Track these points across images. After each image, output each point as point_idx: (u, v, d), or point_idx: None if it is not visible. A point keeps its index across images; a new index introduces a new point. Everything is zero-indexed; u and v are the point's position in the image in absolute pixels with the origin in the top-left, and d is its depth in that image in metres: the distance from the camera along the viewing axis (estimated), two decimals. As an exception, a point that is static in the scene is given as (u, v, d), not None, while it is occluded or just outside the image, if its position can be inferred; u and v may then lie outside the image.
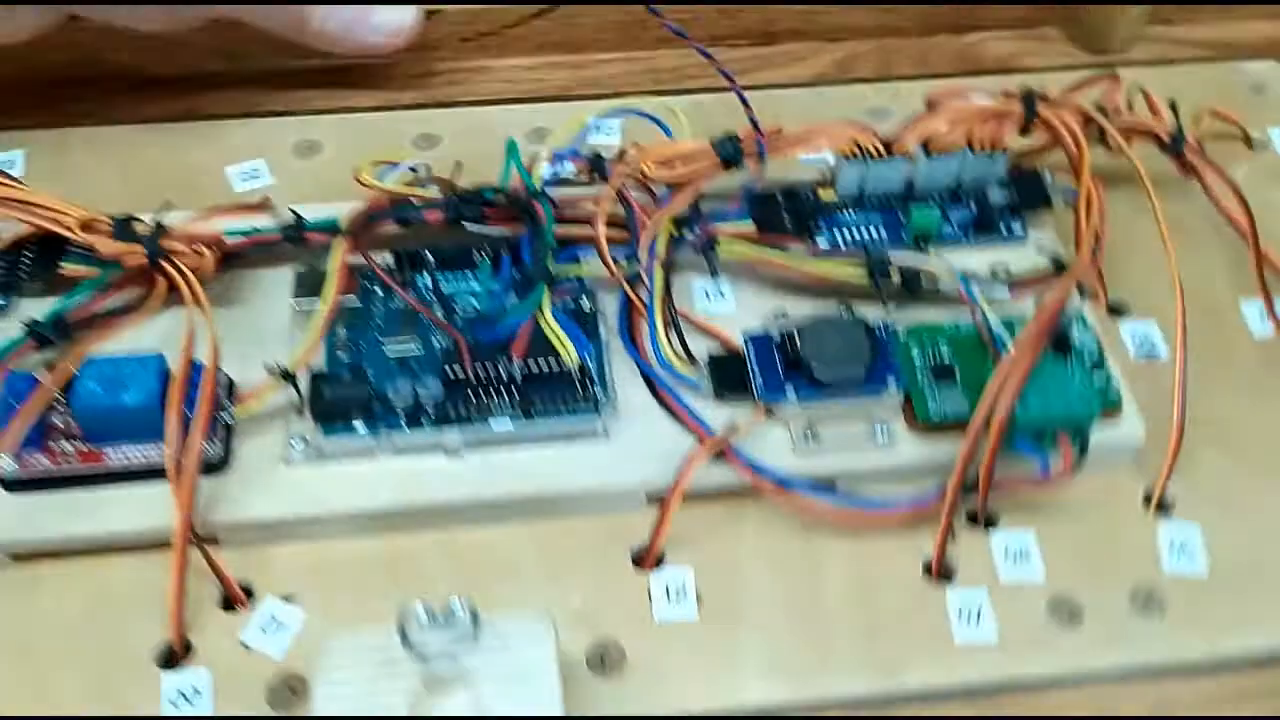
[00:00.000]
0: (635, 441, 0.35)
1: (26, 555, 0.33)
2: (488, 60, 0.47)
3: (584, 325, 0.37)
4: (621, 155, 0.40)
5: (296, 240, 0.38)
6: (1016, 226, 0.41)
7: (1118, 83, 0.42)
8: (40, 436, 0.33)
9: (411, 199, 0.38)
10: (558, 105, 0.46)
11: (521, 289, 0.37)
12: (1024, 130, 0.41)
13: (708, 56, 0.41)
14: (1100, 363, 0.37)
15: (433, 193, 0.38)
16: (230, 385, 0.36)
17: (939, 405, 0.36)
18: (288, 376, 0.34)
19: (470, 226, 0.38)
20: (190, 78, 0.46)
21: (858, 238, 0.40)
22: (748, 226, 0.40)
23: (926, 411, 0.36)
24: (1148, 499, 0.37)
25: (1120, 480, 0.37)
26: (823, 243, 0.40)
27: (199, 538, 0.32)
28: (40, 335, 0.35)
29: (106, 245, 0.36)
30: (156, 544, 0.33)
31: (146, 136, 0.44)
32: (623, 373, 0.37)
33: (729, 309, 0.39)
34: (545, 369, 0.35)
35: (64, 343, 0.35)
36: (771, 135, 0.39)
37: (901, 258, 0.38)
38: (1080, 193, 0.39)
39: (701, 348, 0.37)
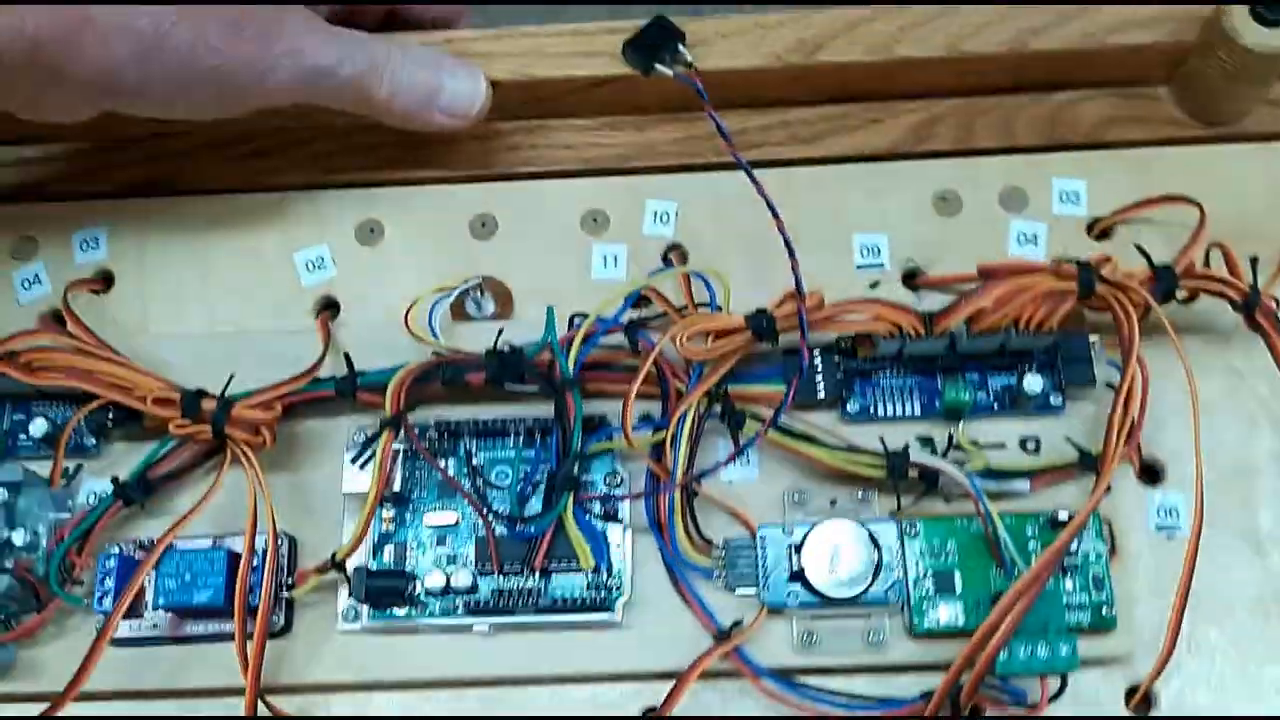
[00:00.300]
0: (649, 627, 0.39)
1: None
2: (547, 127, 0.46)
3: (607, 511, 0.39)
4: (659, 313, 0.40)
5: (349, 396, 0.40)
6: (1054, 398, 0.40)
7: (1196, 241, 0.40)
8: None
9: (456, 358, 0.40)
10: (615, 180, 0.45)
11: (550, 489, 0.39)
12: (1080, 303, 0.39)
13: (744, 167, 0.39)
14: (1103, 582, 0.38)
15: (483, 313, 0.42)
16: (292, 546, 0.40)
17: (935, 618, 0.38)
18: (338, 566, 0.38)
19: (510, 387, 0.40)
20: (253, 138, 0.46)
21: (888, 411, 0.40)
22: (777, 389, 0.40)
23: (922, 624, 0.38)
24: (1132, 692, 0.39)
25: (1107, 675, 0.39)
26: (853, 407, 0.41)
27: (264, 692, 0.38)
28: (126, 495, 0.40)
29: (177, 424, 0.39)
30: (232, 691, 0.39)
31: (216, 210, 0.46)
32: (645, 547, 0.40)
33: (751, 476, 0.41)
34: (566, 569, 0.38)
35: (145, 499, 0.40)
36: (812, 308, 0.39)
37: (921, 459, 0.39)
38: (1122, 386, 0.38)
39: (722, 524, 0.40)
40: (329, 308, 0.44)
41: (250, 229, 0.45)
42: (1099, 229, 0.44)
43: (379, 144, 0.46)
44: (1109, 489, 0.38)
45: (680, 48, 0.42)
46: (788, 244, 0.38)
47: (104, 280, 0.45)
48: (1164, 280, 0.39)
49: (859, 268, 0.44)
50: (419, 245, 0.45)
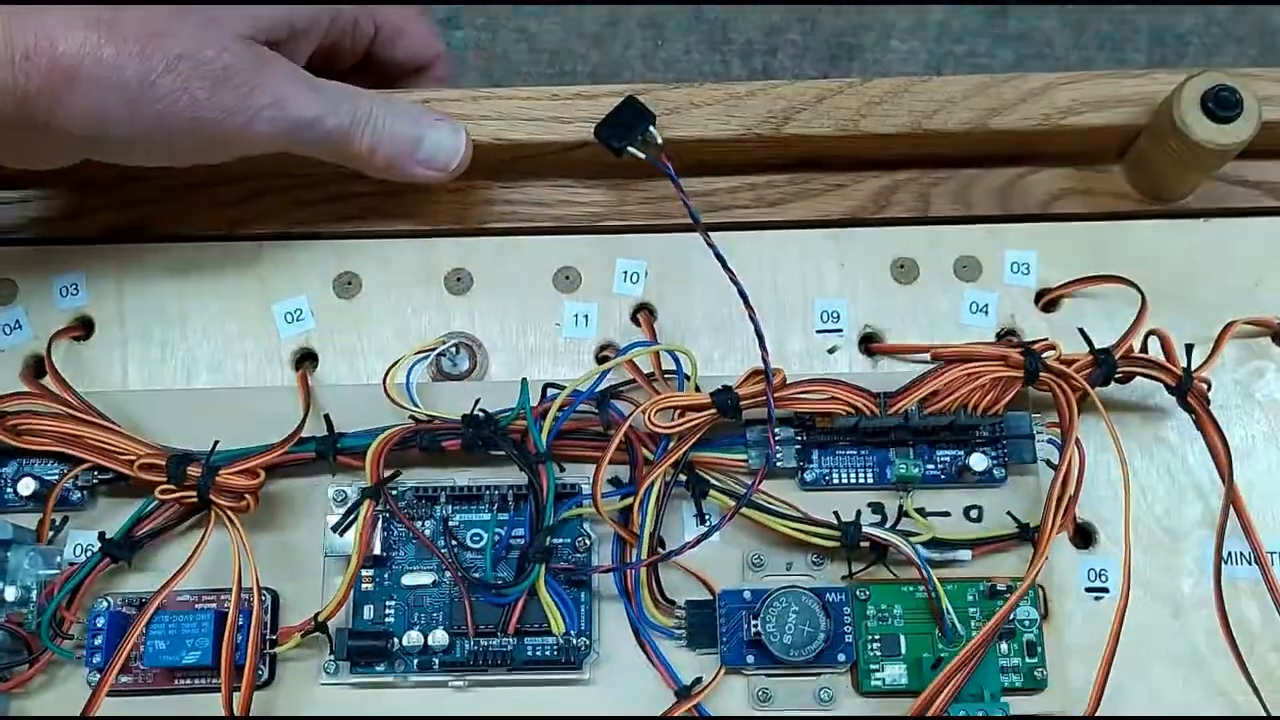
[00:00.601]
0: (615, 683, 0.42)
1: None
2: (522, 184, 0.47)
3: (576, 580, 0.42)
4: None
5: (329, 459, 0.42)
6: (997, 471, 0.43)
7: (1136, 328, 0.42)
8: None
9: (434, 427, 0.42)
10: (587, 238, 0.47)
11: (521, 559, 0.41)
12: (1025, 385, 0.42)
13: (713, 247, 0.41)
14: (1036, 647, 0.41)
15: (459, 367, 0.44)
16: (275, 600, 0.42)
17: (881, 677, 0.41)
18: (320, 627, 0.41)
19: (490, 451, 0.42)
20: (229, 182, 0.47)
21: (843, 479, 0.43)
22: (739, 457, 0.43)
23: (868, 683, 0.41)
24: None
25: None
26: (810, 476, 0.43)
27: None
28: (113, 553, 0.41)
29: (163, 490, 0.41)
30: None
31: (192, 257, 0.47)
32: (611, 605, 0.42)
33: (714, 537, 0.43)
34: (537, 632, 0.41)
35: (131, 556, 0.42)
36: (776, 386, 0.41)
37: (873, 532, 0.41)
38: (1060, 468, 0.41)
39: (683, 582, 0.42)
40: (307, 359, 0.46)
41: (227, 278, 0.46)
42: (1046, 300, 0.46)
43: (356, 194, 0.47)
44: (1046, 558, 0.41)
45: (651, 129, 0.43)
46: (757, 329, 0.40)
47: (84, 326, 0.46)
48: (1104, 365, 0.42)
49: (819, 331, 0.46)
50: (395, 299, 0.46)
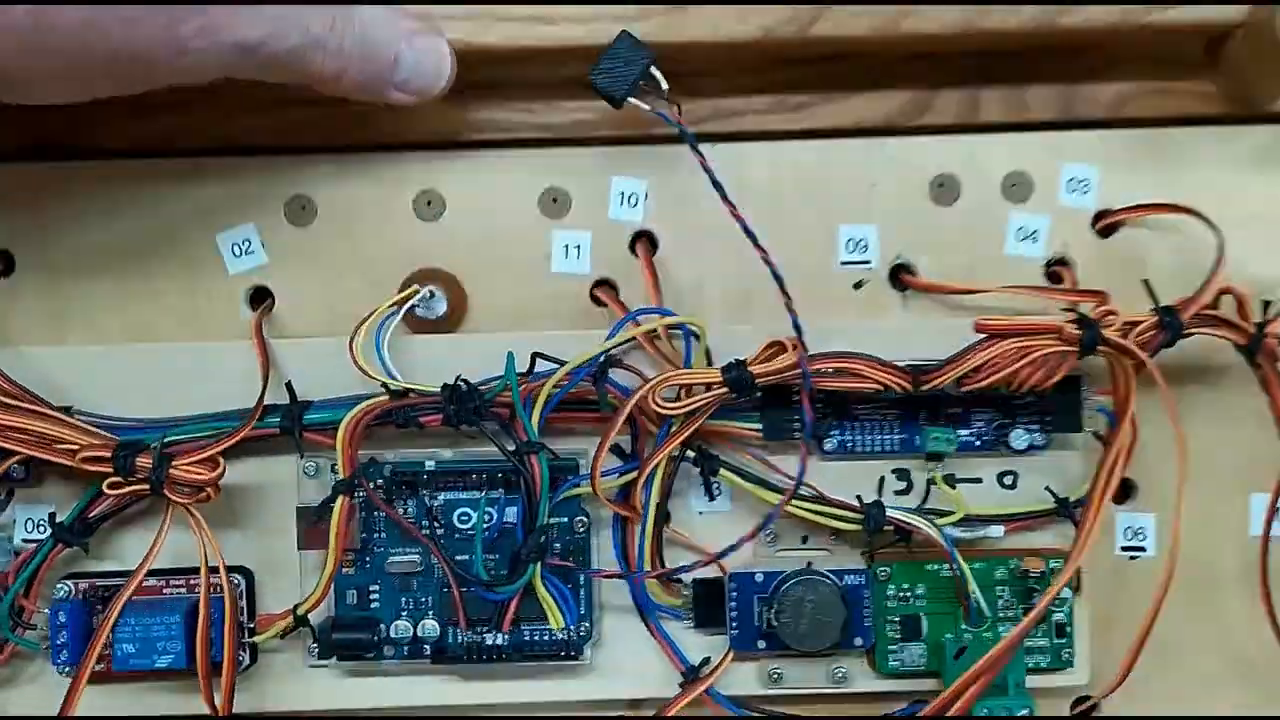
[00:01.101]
0: (617, 664, 0.39)
1: None
2: (502, 89, 0.40)
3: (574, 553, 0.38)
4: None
5: (295, 435, 0.38)
6: (1038, 438, 0.39)
7: (1210, 284, 0.37)
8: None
9: (411, 401, 0.37)
10: (578, 151, 0.40)
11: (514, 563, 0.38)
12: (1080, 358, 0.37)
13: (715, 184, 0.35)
14: (1065, 629, 0.39)
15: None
16: (249, 582, 0.39)
17: (900, 659, 0.39)
18: (301, 621, 0.38)
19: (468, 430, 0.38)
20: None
21: (866, 447, 0.39)
22: (753, 427, 0.38)
23: (886, 665, 0.39)
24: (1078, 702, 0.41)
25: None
26: (830, 445, 0.39)
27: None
28: (65, 539, 0.38)
29: (111, 484, 0.36)
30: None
31: (119, 177, 0.40)
32: (614, 583, 0.39)
33: (724, 507, 0.39)
34: (534, 624, 0.38)
35: (86, 541, 0.38)
36: (794, 365, 0.36)
37: (898, 516, 0.38)
38: (1111, 448, 0.37)
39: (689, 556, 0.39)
40: (261, 300, 0.40)
41: (163, 203, 0.40)
42: (1104, 223, 0.40)
43: (308, 100, 0.40)
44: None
45: (652, 71, 0.36)
46: (782, 287, 0.36)
47: (4, 260, 0.40)
48: (1169, 330, 0.37)
49: (843, 263, 0.40)
50: (356, 227, 0.40)
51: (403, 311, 0.38)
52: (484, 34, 0.38)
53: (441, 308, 0.40)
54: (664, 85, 0.36)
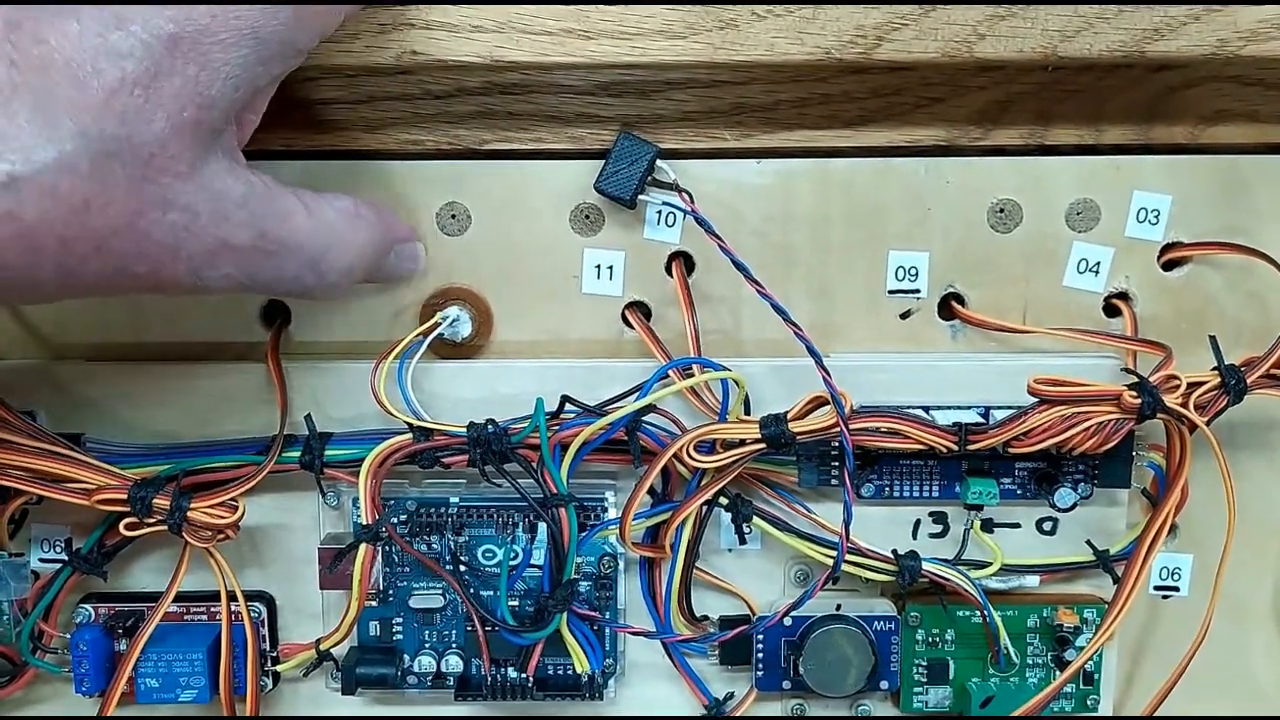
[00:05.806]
0: (641, 698, 0.39)
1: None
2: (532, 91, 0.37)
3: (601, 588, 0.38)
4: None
5: (315, 470, 0.36)
6: (1084, 492, 0.37)
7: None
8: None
9: (436, 443, 0.36)
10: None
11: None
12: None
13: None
14: (1093, 678, 0.38)
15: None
16: (270, 607, 0.38)
17: (924, 700, 0.39)
18: (324, 656, 0.37)
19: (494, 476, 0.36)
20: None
21: (904, 493, 0.37)
22: (789, 470, 0.37)
23: (910, 705, 0.39)
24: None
25: None
26: (867, 491, 0.38)
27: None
28: (83, 567, 0.37)
29: (128, 525, 0.35)
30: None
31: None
32: (636, 610, 0.38)
33: (754, 546, 0.38)
34: (557, 658, 0.38)
35: (103, 569, 0.37)
36: (833, 425, 0.35)
37: (933, 571, 0.37)
38: (1161, 509, 0.36)
39: (719, 603, 0.39)
40: (276, 316, 0.38)
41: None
42: (1169, 257, 0.38)
43: (321, 101, 0.37)
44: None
45: (659, 164, 0.34)
46: (786, 319, 0.34)
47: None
48: (1233, 395, 0.35)
49: (891, 292, 0.38)
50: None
51: (427, 343, 0.37)
52: (517, 49, 0.34)
53: (466, 329, 0.38)
54: (672, 176, 0.34)
